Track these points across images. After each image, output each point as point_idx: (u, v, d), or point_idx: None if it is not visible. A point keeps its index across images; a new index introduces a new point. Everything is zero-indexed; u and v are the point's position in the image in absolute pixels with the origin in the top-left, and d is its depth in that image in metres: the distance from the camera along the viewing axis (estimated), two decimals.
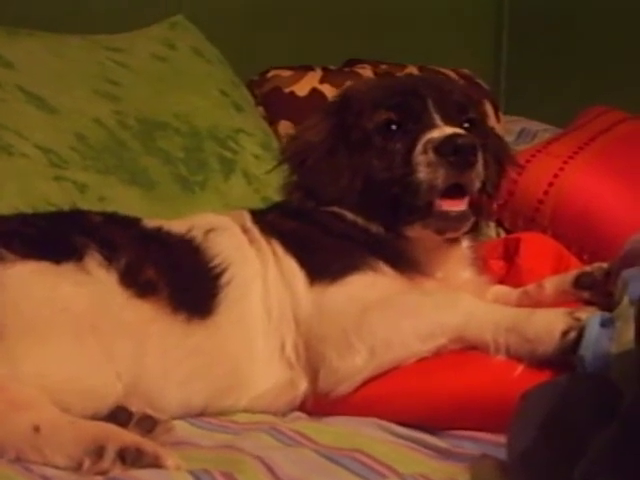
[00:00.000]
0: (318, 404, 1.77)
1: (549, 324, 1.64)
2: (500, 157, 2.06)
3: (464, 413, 1.65)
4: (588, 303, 1.90)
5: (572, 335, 1.60)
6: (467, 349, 1.71)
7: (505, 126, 3.29)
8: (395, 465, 1.46)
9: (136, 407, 1.63)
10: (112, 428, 1.51)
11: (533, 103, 3.62)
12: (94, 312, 1.66)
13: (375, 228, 1.90)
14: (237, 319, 1.81)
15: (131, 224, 1.91)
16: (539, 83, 3.74)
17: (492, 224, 2.71)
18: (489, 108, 3.08)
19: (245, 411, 1.79)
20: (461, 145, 1.78)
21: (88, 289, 1.69)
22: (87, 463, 1.43)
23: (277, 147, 2.62)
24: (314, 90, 2.95)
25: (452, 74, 3.18)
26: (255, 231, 1.93)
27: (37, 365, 1.56)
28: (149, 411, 1.63)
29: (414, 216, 1.85)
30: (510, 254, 2.25)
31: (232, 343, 1.80)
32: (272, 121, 2.93)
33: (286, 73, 3.01)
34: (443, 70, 3.18)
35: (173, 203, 2.42)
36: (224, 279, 1.83)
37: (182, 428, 1.68)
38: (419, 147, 1.81)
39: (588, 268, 1.98)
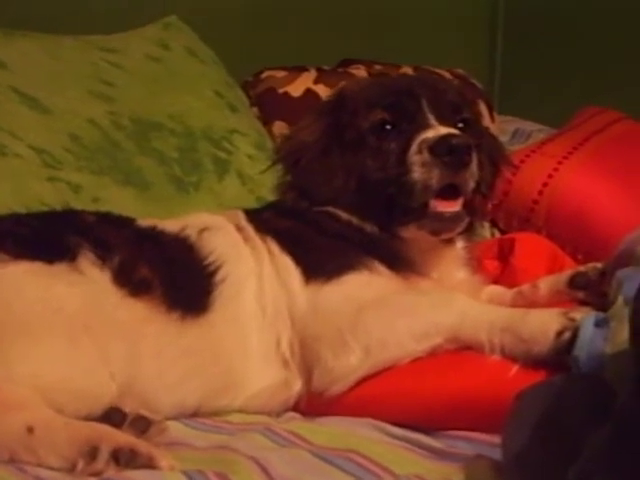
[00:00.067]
0: (312, 404, 1.77)
1: (544, 324, 1.64)
2: (494, 157, 2.06)
3: (459, 413, 1.65)
4: (582, 303, 1.90)
5: (566, 335, 1.60)
6: (462, 349, 1.71)
7: (499, 126, 3.29)
8: (390, 465, 1.46)
9: (130, 408, 1.62)
10: (106, 429, 1.50)
11: (527, 103, 3.62)
12: (87, 312, 1.66)
13: (370, 228, 1.90)
14: (231, 317, 1.81)
15: (125, 223, 1.91)
16: (533, 83, 3.74)
17: (486, 224, 2.71)
18: (483, 108, 3.08)
19: (239, 411, 1.79)
20: (456, 145, 1.78)
21: (81, 289, 1.68)
22: (81, 464, 1.43)
23: (271, 147, 2.61)
24: (308, 90, 2.96)
25: (447, 74, 3.18)
26: (250, 230, 1.93)
27: (30, 365, 1.56)
28: (143, 412, 1.62)
29: (409, 217, 1.85)
30: (504, 254, 2.25)
31: (226, 341, 1.80)
32: (266, 121, 2.93)
33: (280, 74, 3.02)
34: (438, 70, 3.18)
35: (167, 203, 2.42)
36: (218, 277, 1.83)
37: (176, 429, 1.68)
38: (414, 147, 1.81)
39: (582, 268, 1.98)
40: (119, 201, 2.32)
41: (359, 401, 1.72)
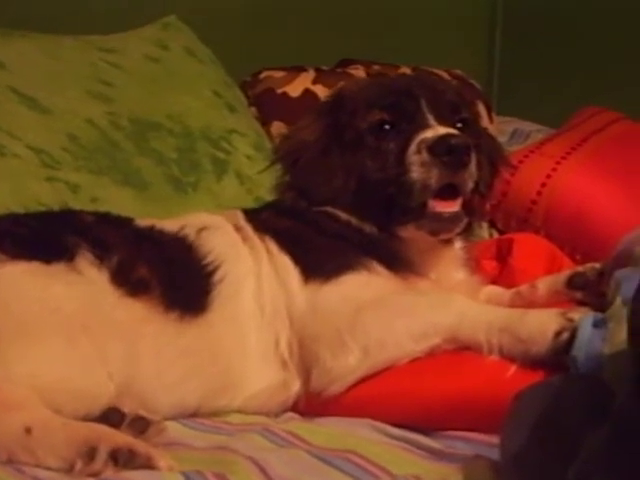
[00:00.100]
0: (311, 404, 1.77)
1: (542, 325, 1.64)
2: (493, 157, 2.06)
3: (457, 414, 1.65)
4: (581, 303, 1.90)
5: (565, 336, 1.60)
6: (460, 349, 1.71)
7: (498, 127, 3.29)
8: (388, 466, 1.46)
9: (128, 408, 1.62)
10: (104, 429, 1.50)
11: (526, 104, 3.62)
12: (85, 312, 1.66)
13: (368, 228, 1.90)
14: (230, 316, 1.81)
15: (123, 223, 1.91)
16: (532, 84, 3.74)
17: (485, 225, 2.71)
18: (482, 109, 3.08)
19: (238, 412, 1.79)
20: (455, 145, 1.79)
21: (79, 289, 1.68)
22: (79, 464, 1.43)
23: (270, 148, 2.62)
24: (307, 91, 2.95)
25: (445, 75, 3.18)
26: (248, 229, 1.93)
27: (28, 366, 1.56)
28: (142, 412, 1.62)
29: (408, 217, 1.85)
30: (503, 255, 2.25)
31: (225, 341, 1.80)
32: (265, 122, 2.93)
33: (279, 74, 3.01)
34: (436, 71, 3.18)
35: (166, 204, 2.42)
36: (217, 276, 1.83)
37: (175, 429, 1.67)
38: (413, 147, 1.81)
39: (581, 268, 1.98)
40: (117, 201, 2.32)
41: (357, 401, 1.72)
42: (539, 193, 2.64)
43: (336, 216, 1.91)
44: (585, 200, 2.59)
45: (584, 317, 1.60)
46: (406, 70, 3.13)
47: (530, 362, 1.64)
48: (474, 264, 2.02)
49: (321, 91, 2.92)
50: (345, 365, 1.73)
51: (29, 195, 2.22)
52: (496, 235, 2.69)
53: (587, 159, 2.70)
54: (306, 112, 2.10)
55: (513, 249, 2.22)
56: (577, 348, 1.55)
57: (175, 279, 1.80)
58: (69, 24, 2.76)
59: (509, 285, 2.08)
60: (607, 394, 1.27)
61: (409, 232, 1.87)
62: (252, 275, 1.86)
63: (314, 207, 1.93)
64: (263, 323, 1.83)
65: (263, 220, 1.96)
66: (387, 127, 1.88)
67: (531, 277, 2.06)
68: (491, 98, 3.69)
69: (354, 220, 1.91)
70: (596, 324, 1.57)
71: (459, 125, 1.91)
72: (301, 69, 3.04)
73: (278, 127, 2.87)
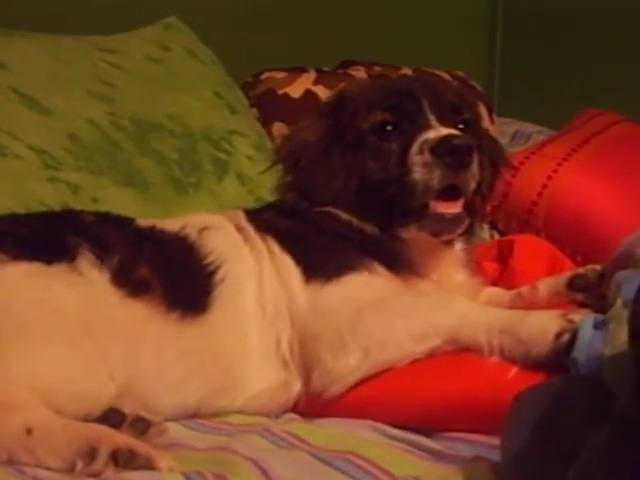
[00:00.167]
0: (311, 405, 1.77)
1: (543, 326, 1.64)
2: (494, 159, 2.06)
3: (458, 415, 1.65)
4: (582, 305, 1.90)
5: (565, 337, 1.60)
6: (461, 351, 1.71)
7: (499, 128, 3.29)
8: (388, 467, 1.46)
9: (129, 408, 1.62)
10: (105, 430, 1.50)
11: (527, 105, 3.62)
12: (86, 313, 1.66)
13: (370, 229, 1.90)
14: (231, 316, 1.81)
15: (124, 223, 1.91)
16: (533, 85, 3.74)
17: (486, 226, 2.71)
18: (483, 110, 3.07)
19: (239, 412, 1.79)
20: (457, 146, 1.79)
21: (80, 290, 1.68)
22: (80, 465, 1.43)
23: (271, 148, 2.62)
24: (308, 92, 2.95)
25: (446, 76, 3.18)
26: (250, 229, 1.93)
27: (29, 366, 1.56)
28: (142, 413, 1.62)
29: (409, 218, 1.85)
30: (504, 256, 2.25)
31: (226, 340, 1.80)
32: (266, 122, 2.93)
33: (280, 75, 3.02)
34: (437, 72, 3.18)
35: (167, 204, 2.42)
36: (218, 276, 1.83)
37: (175, 430, 1.67)
38: (415, 147, 1.81)
39: (582, 270, 1.98)
40: (118, 202, 2.32)
41: (358, 402, 1.72)
42: (540, 194, 2.64)
43: (337, 216, 1.91)
44: (586, 201, 2.59)
45: (585, 319, 1.60)
46: (407, 71, 3.13)
47: (531, 363, 1.64)
48: (475, 265, 2.02)
49: (322, 92, 2.92)
50: (346, 366, 1.72)
51: (30, 195, 2.22)
52: (497, 236, 2.69)
53: (588, 161, 2.70)
54: (307, 113, 2.10)
55: (514, 250, 2.22)
56: (578, 350, 1.55)
57: (176, 279, 1.80)
58: (70, 24, 2.76)
59: (510, 286, 2.08)
60: (608, 395, 1.27)
61: (411, 233, 1.87)
62: (253, 275, 1.86)
63: (315, 207, 1.93)
64: (264, 323, 1.83)
65: (264, 220, 1.96)
66: (389, 128, 1.88)
67: (532, 278, 2.06)
68: (492, 99, 3.69)
69: (355, 220, 1.91)
70: (597, 326, 1.57)
71: (460, 126, 1.91)
72: (302, 70, 3.04)
73: (279, 128, 2.87)
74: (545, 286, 1.98)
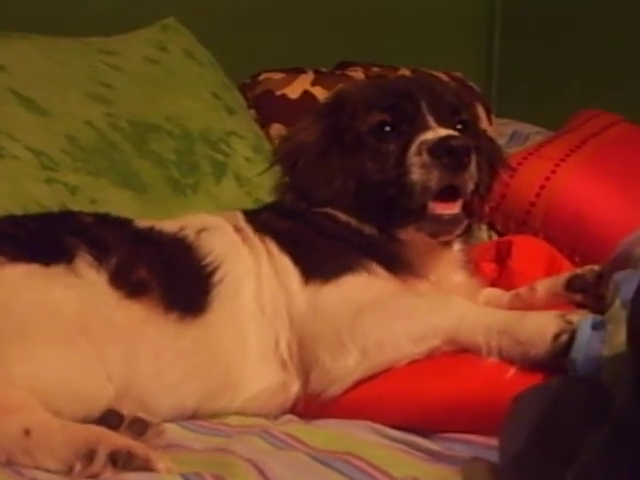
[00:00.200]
0: (309, 406, 1.77)
1: (541, 327, 1.64)
2: (492, 160, 2.06)
3: (456, 416, 1.65)
4: (580, 306, 1.90)
5: (564, 338, 1.60)
6: (459, 352, 1.71)
7: (497, 129, 3.29)
8: (387, 468, 1.46)
9: (127, 410, 1.62)
10: (103, 431, 1.50)
11: (525, 106, 3.62)
12: (85, 314, 1.66)
13: (368, 230, 1.90)
14: (230, 317, 1.81)
15: (122, 224, 1.91)
16: (531, 86, 3.75)
17: (484, 227, 2.71)
18: (481, 111, 3.08)
19: (237, 413, 1.79)
20: (455, 146, 1.79)
21: (78, 292, 1.68)
22: (78, 467, 1.43)
23: (269, 150, 2.62)
24: (306, 93, 2.95)
25: (444, 77, 3.18)
26: (248, 230, 1.93)
27: (28, 368, 1.56)
28: (140, 414, 1.62)
29: (408, 219, 1.85)
30: (502, 257, 2.25)
31: (225, 341, 1.80)
32: (264, 124, 2.93)
33: (278, 76, 3.01)
34: (435, 73, 3.18)
35: (165, 206, 2.42)
36: (216, 277, 1.83)
37: (173, 431, 1.67)
38: (413, 148, 1.82)
39: (580, 271, 1.98)
40: (116, 203, 2.32)
41: (356, 403, 1.72)
42: (538, 195, 2.65)
43: (336, 217, 1.91)
44: (584, 202, 2.59)
45: (583, 319, 1.60)
46: (405, 72, 3.13)
47: (529, 364, 1.64)
48: (473, 266, 2.02)
49: (320, 93, 2.92)
50: (344, 366, 1.72)
51: (28, 197, 2.22)
52: (495, 237, 2.69)
53: (586, 161, 2.70)
54: (305, 114, 2.10)
55: (512, 251, 2.22)
56: (576, 350, 1.55)
57: (175, 280, 1.80)
58: (68, 26, 2.76)
59: (508, 287, 2.08)
60: (606, 396, 1.27)
61: (409, 234, 1.87)
62: (252, 276, 1.86)
63: (314, 208, 1.93)
64: (263, 324, 1.83)
65: (263, 221, 1.96)
66: (387, 129, 1.88)
67: (530, 279, 2.06)
68: (490, 100, 3.69)
69: (354, 221, 1.91)
70: (595, 326, 1.57)
71: (459, 127, 1.91)
72: (300, 71, 3.04)
73: (277, 129, 2.87)
74: (543, 287, 1.98)
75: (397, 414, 1.70)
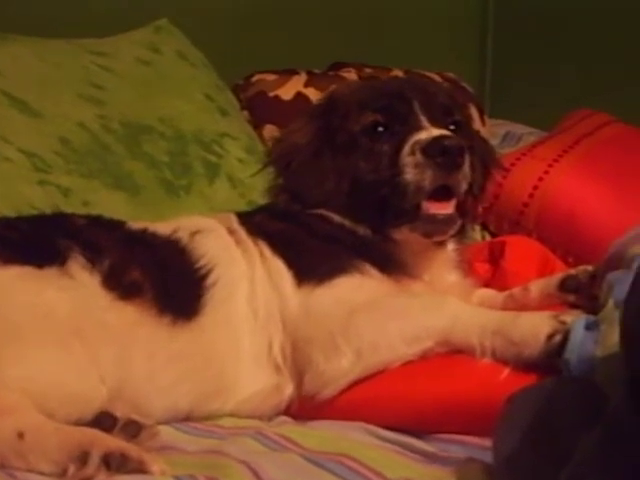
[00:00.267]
0: (303, 408, 1.77)
1: (534, 327, 1.64)
2: (485, 160, 2.06)
3: (450, 417, 1.65)
4: (573, 306, 1.90)
5: (557, 338, 1.60)
6: (453, 352, 1.71)
7: (490, 129, 3.29)
8: (381, 469, 1.46)
9: (121, 412, 1.62)
10: (96, 433, 1.50)
11: (518, 106, 3.62)
12: (78, 316, 1.65)
13: (362, 230, 1.90)
14: (223, 320, 1.81)
15: (115, 226, 1.90)
16: (524, 86, 3.75)
17: (477, 227, 2.72)
18: (474, 112, 3.08)
19: (231, 415, 1.78)
20: (448, 146, 1.79)
21: (71, 294, 1.68)
22: (72, 469, 1.43)
23: (262, 151, 2.62)
24: (299, 94, 2.95)
25: (437, 77, 3.18)
26: (242, 232, 1.93)
27: (21, 370, 1.55)
28: (134, 416, 1.62)
29: (401, 219, 1.85)
30: (495, 257, 2.25)
31: (218, 344, 1.79)
32: (257, 125, 2.92)
33: (271, 77, 3.01)
34: (428, 73, 3.18)
35: (158, 207, 2.41)
36: (210, 280, 1.83)
37: (167, 433, 1.67)
38: (406, 148, 1.82)
39: (573, 271, 1.98)
40: (109, 205, 2.31)
41: (350, 405, 1.72)
42: (531, 196, 2.65)
43: (329, 218, 1.91)
44: (577, 203, 2.59)
45: (576, 320, 1.60)
46: (398, 73, 3.13)
47: (523, 365, 1.64)
48: (467, 267, 2.02)
49: (313, 94, 2.92)
50: (338, 368, 1.72)
51: (20, 199, 2.21)
52: (488, 238, 2.69)
53: (578, 162, 2.70)
54: (298, 115, 2.10)
55: (505, 252, 2.23)
56: (569, 351, 1.55)
57: (168, 282, 1.79)
58: (60, 27, 2.75)
59: (502, 288, 2.08)
60: (600, 397, 1.27)
61: (403, 234, 1.87)
62: (245, 278, 1.86)
63: (307, 210, 1.93)
64: (256, 326, 1.83)
65: (256, 223, 1.96)
66: (380, 129, 1.88)
67: (524, 280, 2.06)
68: (483, 101, 3.69)
69: (347, 222, 1.91)
70: (588, 327, 1.57)
71: (452, 127, 1.91)
72: (293, 72, 3.04)
73: (270, 130, 2.87)
74: (537, 287, 1.99)
75: (391, 415, 1.69)
